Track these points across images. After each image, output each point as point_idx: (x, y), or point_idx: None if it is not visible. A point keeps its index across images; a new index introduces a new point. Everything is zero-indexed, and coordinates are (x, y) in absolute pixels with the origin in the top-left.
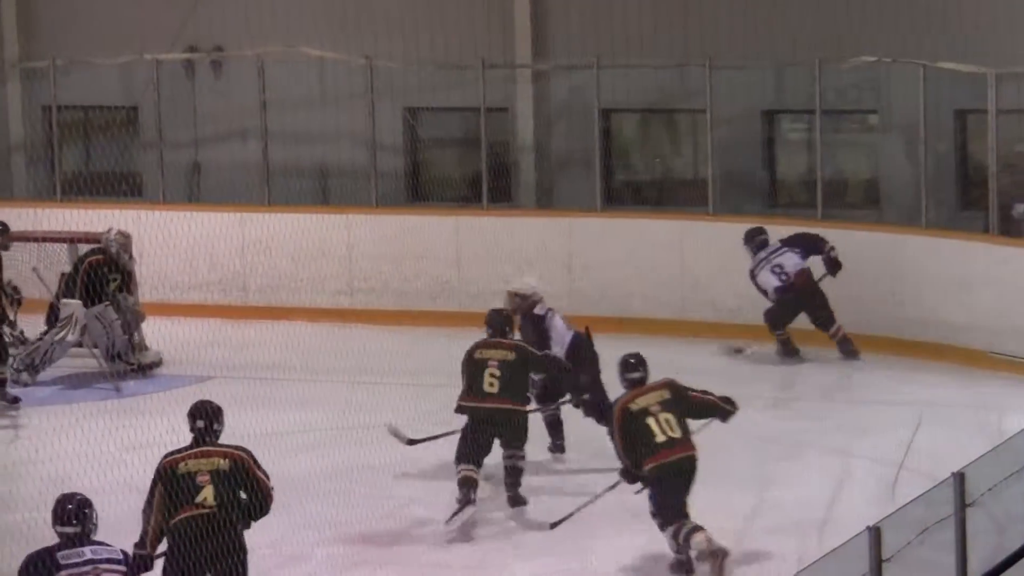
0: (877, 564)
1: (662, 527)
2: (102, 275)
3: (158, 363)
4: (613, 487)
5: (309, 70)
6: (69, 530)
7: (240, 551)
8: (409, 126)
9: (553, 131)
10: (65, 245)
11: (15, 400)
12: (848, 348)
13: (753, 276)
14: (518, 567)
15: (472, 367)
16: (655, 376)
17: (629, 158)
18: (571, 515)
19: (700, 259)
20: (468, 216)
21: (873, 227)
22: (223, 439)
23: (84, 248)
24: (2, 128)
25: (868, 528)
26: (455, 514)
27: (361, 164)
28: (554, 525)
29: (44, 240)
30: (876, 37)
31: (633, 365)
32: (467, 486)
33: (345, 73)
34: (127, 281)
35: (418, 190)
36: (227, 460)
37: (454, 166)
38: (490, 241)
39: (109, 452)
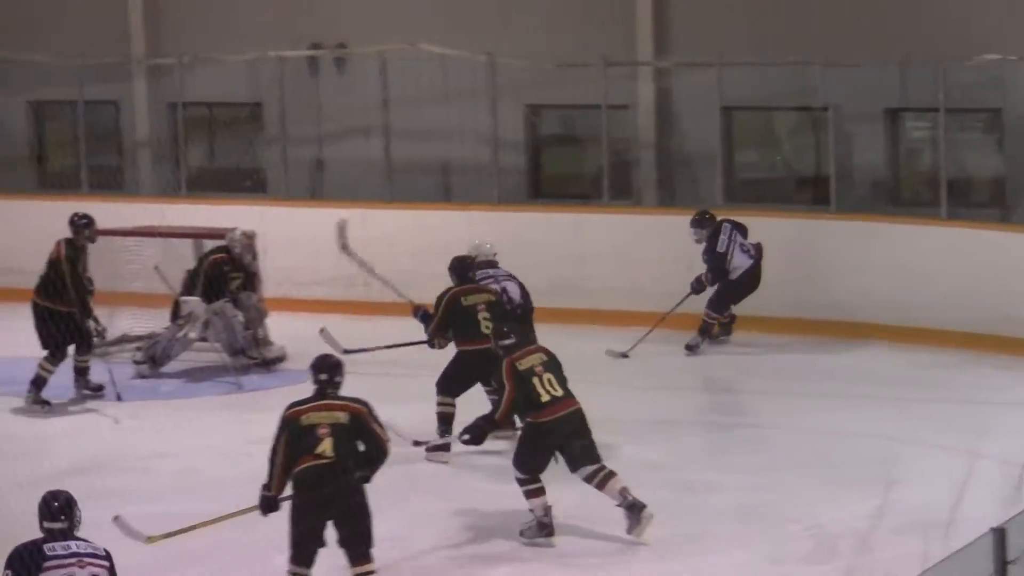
0: (1002, 565)
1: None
2: (223, 273)
3: (282, 358)
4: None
5: (431, 67)
6: (56, 525)
7: (359, 501)
8: (530, 123)
9: (674, 128)
10: (190, 241)
11: (99, 388)
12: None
13: (726, 257)
14: (635, 564)
15: (464, 314)
16: None
17: (750, 156)
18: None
19: (820, 257)
20: (589, 213)
21: (999, 226)
22: None
23: (209, 244)
24: (128, 125)
25: (992, 529)
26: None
27: (483, 161)
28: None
29: (168, 236)
30: (1001, 35)
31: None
32: (448, 422)
33: (467, 70)
34: (250, 280)
35: (539, 187)
36: (346, 413)
37: (575, 163)
38: (610, 238)
39: (235, 446)
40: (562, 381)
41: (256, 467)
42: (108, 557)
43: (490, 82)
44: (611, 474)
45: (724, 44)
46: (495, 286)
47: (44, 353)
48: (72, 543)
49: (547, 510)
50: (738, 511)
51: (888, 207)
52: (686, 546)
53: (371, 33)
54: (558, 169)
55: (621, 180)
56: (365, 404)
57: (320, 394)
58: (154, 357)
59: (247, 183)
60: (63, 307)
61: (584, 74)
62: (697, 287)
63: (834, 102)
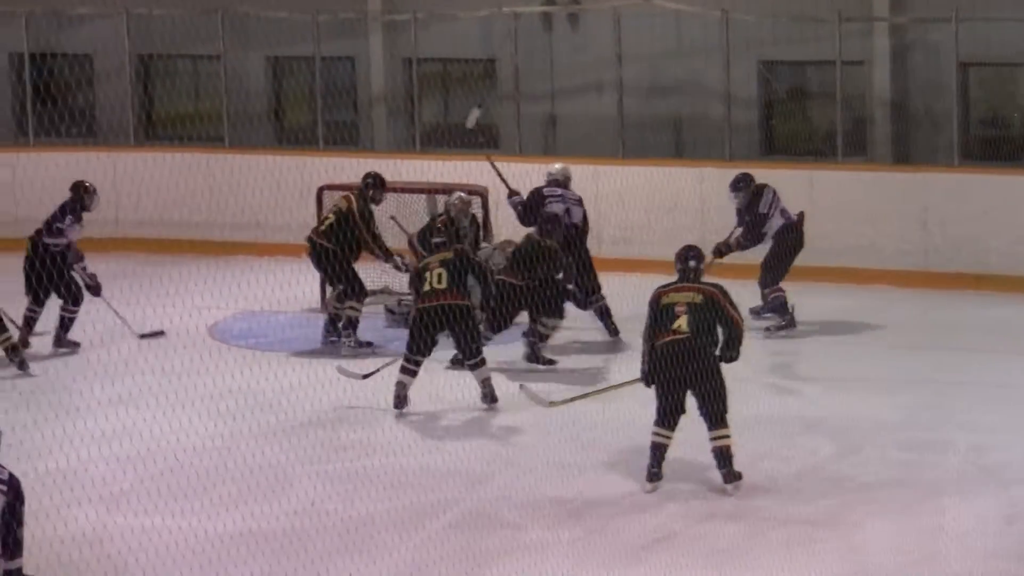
0: None
1: None
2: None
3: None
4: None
5: (664, 22)
6: None
7: (715, 376)
8: (764, 79)
9: (909, 85)
10: (423, 196)
11: (368, 344)
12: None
13: (767, 219)
14: (868, 523)
15: None
16: None
17: (986, 113)
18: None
19: None
20: (822, 170)
21: None
22: None
23: (441, 200)
24: (364, 80)
25: None
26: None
27: (715, 117)
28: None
29: (403, 191)
30: None
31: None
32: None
33: (699, 25)
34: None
35: (772, 144)
36: (701, 295)
37: (808, 120)
38: (844, 196)
39: (465, 400)
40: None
41: (485, 423)
42: (11, 483)
43: (724, 37)
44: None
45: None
46: (560, 205)
47: (346, 298)
48: None
49: None
50: (972, 470)
51: None
52: (915, 506)
53: None
54: (791, 126)
55: (855, 137)
56: (721, 289)
57: (681, 279)
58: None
59: (480, 139)
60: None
61: (819, 30)
62: (724, 250)
63: None
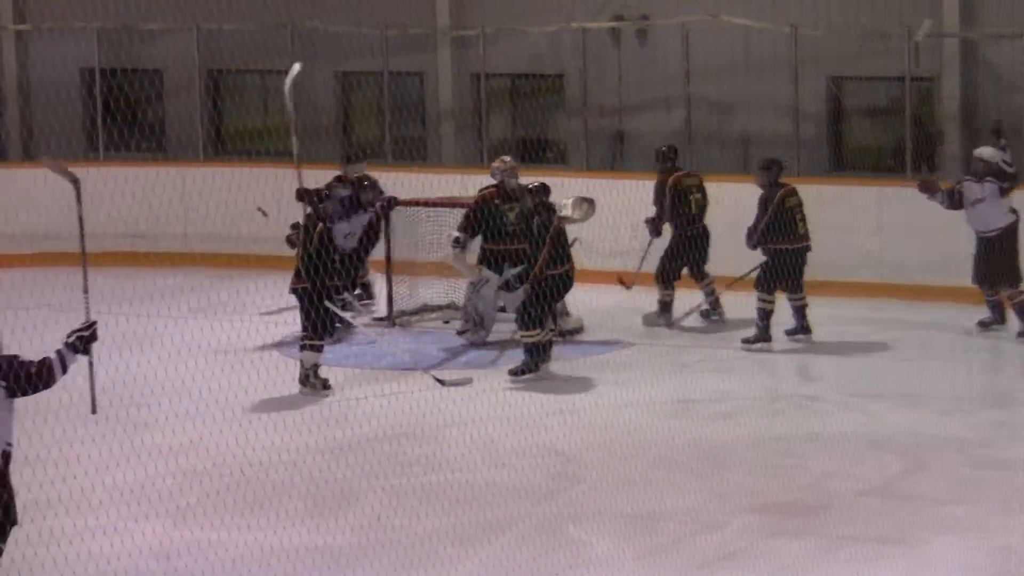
0: None
1: None
2: (496, 208)
3: (580, 329)
4: None
5: (732, 38)
6: None
7: None
8: (832, 95)
9: (979, 102)
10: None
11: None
12: None
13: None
14: (936, 541)
15: None
16: None
17: None
18: None
19: None
20: (891, 186)
21: None
22: None
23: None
24: (432, 95)
25: None
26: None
27: (783, 133)
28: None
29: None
30: None
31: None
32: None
33: (768, 41)
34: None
35: (841, 160)
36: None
37: (877, 136)
38: (913, 211)
39: (531, 416)
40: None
41: (551, 439)
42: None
43: (793, 53)
44: None
45: None
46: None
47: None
48: None
49: None
50: None
51: None
52: (985, 524)
53: (674, 4)
54: (860, 141)
55: (925, 153)
56: None
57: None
58: (475, 321)
59: (548, 154)
60: None
61: (887, 45)
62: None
63: None
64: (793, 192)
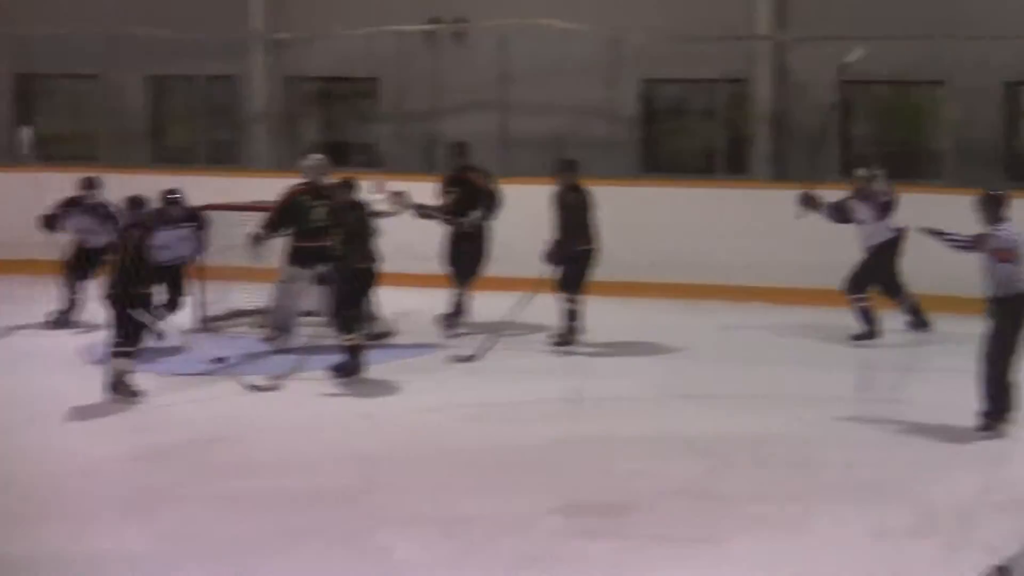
0: None
1: None
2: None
3: (389, 333)
4: None
5: (548, 41)
6: None
7: None
8: (645, 98)
9: (790, 103)
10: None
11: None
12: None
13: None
14: (740, 539)
15: None
16: None
17: (867, 130)
18: None
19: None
20: (702, 187)
21: None
22: None
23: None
24: (246, 99)
25: None
26: None
27: (598, 136)
28: None
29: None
30: None
31: None
32: None
33: (583, 44)
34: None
35: (654, 161)
36: None
37: (689, 138)
38: (724, 213)
39: (338, 420)
40: None
41: (358, 443)
42: None
43: (609, 57)
44: None
45: (842, 18)
46: None
47: None
48: None
49: None
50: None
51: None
52: (791, 520)
53: (490, 7)
54: (673, 144)
55: (736, 155)
56: None
57: None
58: (280, 327)
59: (362, 157)
60: None
61: (702, 49)
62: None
63: (950, 76)
64: (577, 190)
